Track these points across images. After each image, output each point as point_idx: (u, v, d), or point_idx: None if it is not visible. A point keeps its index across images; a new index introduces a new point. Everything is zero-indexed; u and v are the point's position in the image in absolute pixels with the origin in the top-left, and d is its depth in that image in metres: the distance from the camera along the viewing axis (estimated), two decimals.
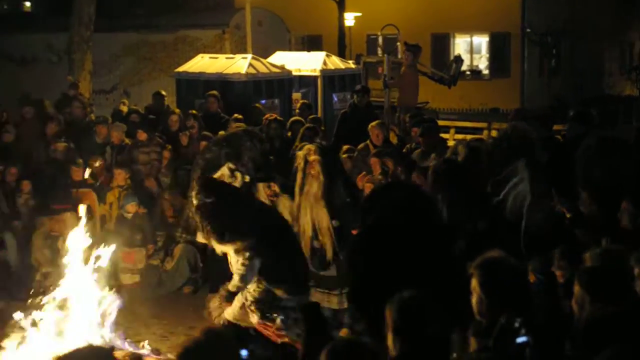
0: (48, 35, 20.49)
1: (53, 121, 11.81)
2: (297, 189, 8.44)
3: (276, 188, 9.12)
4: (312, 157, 8.28)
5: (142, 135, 11.47)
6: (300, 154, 8.63)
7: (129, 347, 7.82)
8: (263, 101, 14.04)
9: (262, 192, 9.13)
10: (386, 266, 5.43)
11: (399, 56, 19.80)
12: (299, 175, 8.43)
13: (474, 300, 4.42)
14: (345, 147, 10.49)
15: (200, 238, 9.00)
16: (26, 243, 10.18)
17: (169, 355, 7.81)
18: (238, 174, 9.07)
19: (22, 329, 7.47)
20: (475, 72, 29.41)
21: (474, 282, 4.41)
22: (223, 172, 9.26)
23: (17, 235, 10.29)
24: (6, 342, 7.45)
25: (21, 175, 10.72)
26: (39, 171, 11.07)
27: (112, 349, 3.65)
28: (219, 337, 3.33)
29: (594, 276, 4.53)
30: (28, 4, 49.60)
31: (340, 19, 27.15)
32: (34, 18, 33.26)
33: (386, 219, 5.75)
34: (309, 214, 8.25)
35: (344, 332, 7.56)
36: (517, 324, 3.98)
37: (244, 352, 3.37)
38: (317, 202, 8.21)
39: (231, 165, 9.46)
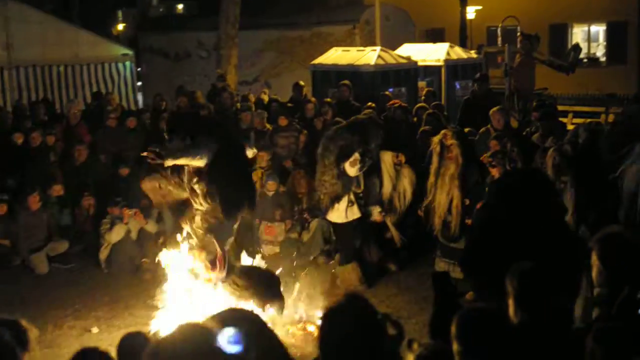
0: (198, 33, 20.96)
1: (204, 109, 12.06)
2: (432, 170, 8.52)
3: (402, 158, 9.16)
4: (450, 141, 8.36)
5: (282, 121, 11.63)
6: (436, 138, 8.66)
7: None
8: (391, 89, 13.99)
9: (388, 160, 9.21)
10: (500, 237, 5.36)
11: (518, 46, 19.37)
12: (435, 158, 8.51)
13: (594, 272, 4.28)
14: (466, 130, 10.35)
15: (329, 216, 9.19)
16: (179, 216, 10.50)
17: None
18: (367, 159, 9.17)
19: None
20: (593, 60, 28.41)
21: (594, 256, 4.26)
22: (355, 157, 9.35)
23: (172, 210, 10.59)
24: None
25: None
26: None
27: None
28: (359, 300, 3.31)
29: None
30: (180, 6, 51.04)
31: (462, 13, 26.71)
32: (186, 18, 34.07)
33: (506, 197, 5.66)
34: (444, 192, 8.33)
35: (469, 296, 7.48)
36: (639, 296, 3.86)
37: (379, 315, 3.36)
38: (452, 182, 8.31)
39: (361, 151, 9.53)
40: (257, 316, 4.23)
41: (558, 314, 3.98)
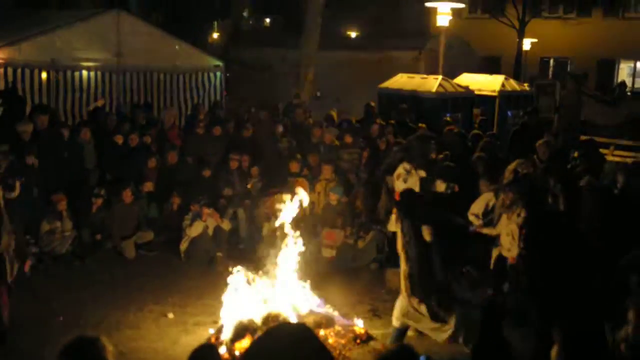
0: (282, 49, 21.04)
1: (281, 123, 12.11)
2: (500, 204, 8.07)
3: (456, 188, 8.99)
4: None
5: (348, 139, 11.55)
6: (510, 168, 8.34)
7: (323, 311, 7.67)
8: (448, 114, 13.85)
9: (439, 187, 9.06)
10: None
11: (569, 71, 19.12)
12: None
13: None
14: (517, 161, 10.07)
15: (391, 227, 9.06)
16: (252, 218, 10.54)
17: (355, 320, 7.64)
18: (413, 171, 9.07)
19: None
20: (637, 94, 27.61)
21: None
22: (399, 172, 9.28)
23: (246, 211, 10.66)
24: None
25: (252, 163, 11.09)
26: (267, 161, 11.36)
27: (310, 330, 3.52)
28: (407, 350, 3.20)
29: None
30: (268, 19, 51.28)
31: (519, 44, 26.34)
32: (272, 33, 34.20)
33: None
34: (510, 225, 7.89)
35: None
36: None
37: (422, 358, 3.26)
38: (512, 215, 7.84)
39: (407, 166, 9.39)
40: (309, 329, 4.14)
41: None
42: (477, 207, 8.69)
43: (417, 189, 9.34)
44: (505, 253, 8.50)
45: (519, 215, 7.85)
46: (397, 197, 8.51)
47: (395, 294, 9.00)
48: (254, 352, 3.35)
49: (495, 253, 8.58)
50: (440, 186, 9.35)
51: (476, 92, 15.24)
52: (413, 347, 3.17)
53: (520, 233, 7.71)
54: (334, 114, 14.01)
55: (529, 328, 6.66)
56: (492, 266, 8.64)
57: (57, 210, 9.47)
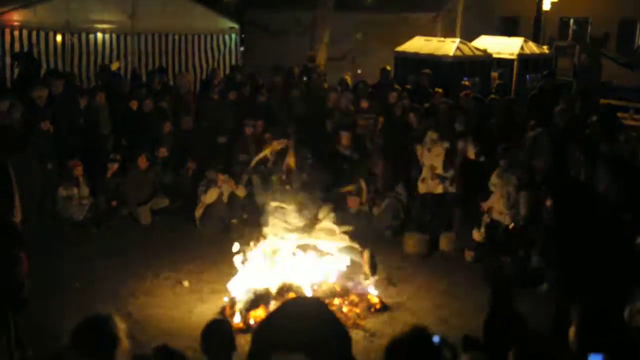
0: (296, 12, 20.77)
1: (296, 87, 11.99)
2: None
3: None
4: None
5: (364, 104, 11.43)
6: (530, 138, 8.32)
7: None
8: (466, 78, 13.66)
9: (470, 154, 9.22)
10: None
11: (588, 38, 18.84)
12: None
13: None
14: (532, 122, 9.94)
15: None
16: (267, 184, 10.44)
17: (370, 288, 7.63)
18: (438, 141, 9.07)
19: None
20: None
21: None
22: (425, 140, 9.27)
23: (261, 177, 10.56)
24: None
25: (267, 128, 10.94)
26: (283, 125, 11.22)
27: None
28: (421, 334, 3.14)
29: None
30: None
31: (539, 4, 25.86)
32: None
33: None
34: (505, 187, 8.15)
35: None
36: None
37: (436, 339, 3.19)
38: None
39: (433, 135, 9.37)
40: (324, 304, 4.10)
41: None
42: None
43: (440, 158, 9.34)
44: (496, 216, 8.49)
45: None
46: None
47: (411, 258, 9.04)
48: (269, 326, 3.29)
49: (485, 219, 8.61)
50: (471, 153, 9.34)
51: (494, 56, 15.04)
52: (426, 328, 3.10)
53: (544, 203, 7.70)
54: (348, 78, 13.85)
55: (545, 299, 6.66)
56: (484, 233, 8.66)
57: (73, 177, 9.49)
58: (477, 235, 8.75)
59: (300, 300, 3.44)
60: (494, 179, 8.69)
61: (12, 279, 4.48)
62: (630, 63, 16.83)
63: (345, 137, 10.50)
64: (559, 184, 6.78)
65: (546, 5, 26.19)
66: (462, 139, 9.55)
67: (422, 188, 9.66)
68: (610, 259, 5.33)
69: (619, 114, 12.03)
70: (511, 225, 8.37)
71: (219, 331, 3.94)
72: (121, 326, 3.28)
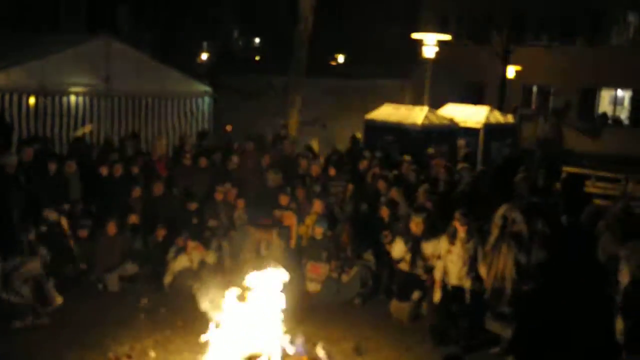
0: (269, 75, 21.08)
1: (268, 154, 12.07)
2: (491, 242, 7.99)
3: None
4: (517, 226, 7.82)
5: (332, 171, 11.55)
6: (499, 213, 8.15)
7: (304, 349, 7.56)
8: (432, 145, 13.86)
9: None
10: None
11: (551, 107, 19.28)
12: (495, 233, 7.96)
13: None
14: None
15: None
16: (237, 249, 10.39)
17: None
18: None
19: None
20: (617, 122, 27.89)
21: None
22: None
23: (230, 243, 10.53)
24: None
25: (238, 195, 10.99)
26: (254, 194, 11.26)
27: None
28: None
29: None
30: (257, 40, 51.50)
31: (503, 72, 26.57)
32: (261, 60, 34.29)
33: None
34: (502, 262, 7.81)
35: None
36: None
37: None
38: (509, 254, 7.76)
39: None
40: None
41: None
42: None
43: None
44: (455, 281, 8.51)
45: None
46: None
47: (379, 327, 8.99)
48: None
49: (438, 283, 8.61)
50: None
51: (461, 124, 15.32)
52: None
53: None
54: (315, 143, 13.98)
55: None
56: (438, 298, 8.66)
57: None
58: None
59: None
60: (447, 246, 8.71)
61: None
62: (591, 131, 17.22)
63: (318, 205, 10.53)
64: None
65: (510, 73, 26.99)
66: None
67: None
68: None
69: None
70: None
71: None
72: None
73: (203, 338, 7.35)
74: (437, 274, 8.70)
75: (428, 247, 9.03)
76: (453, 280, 8.57)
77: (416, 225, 9.11)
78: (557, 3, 26.26)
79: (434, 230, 9.00)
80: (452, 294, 8.61)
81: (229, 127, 13.16)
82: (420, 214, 9.21)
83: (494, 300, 7.82)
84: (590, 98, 28.31)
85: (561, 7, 27.11)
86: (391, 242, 9.60)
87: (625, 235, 6.57)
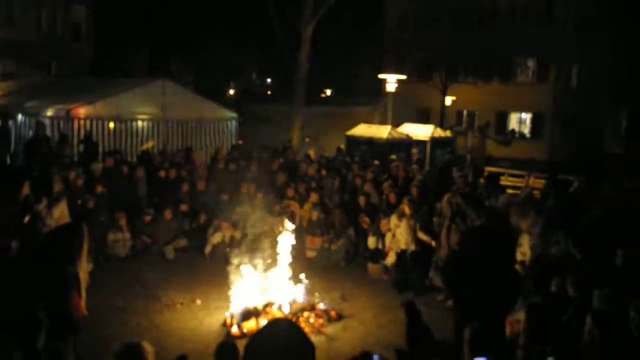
0: (278, 105, 20.94)
1: (277, 160, 12.01)
2: (446, 223, 7.86)
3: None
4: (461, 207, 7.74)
5: (323, 172, 11.44)
6: (445, 199, 8.12)
7: (307, 298, 7.54)
8: (394, 153, 13.80)
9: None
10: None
11: (476, 125, 19.25)
12: (447, 214, 7.85)
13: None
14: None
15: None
16: (257, 229, 10.13)
17: (329, 304, 7.53)
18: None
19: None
20: (522, 135, 27.94)
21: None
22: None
23: (252, 224, 10.27)
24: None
25: (257, 190, 10.70)
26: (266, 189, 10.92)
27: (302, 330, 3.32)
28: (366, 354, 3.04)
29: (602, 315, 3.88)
30: (269, 80, 51.26)
31: (443, 101, 26.52)
32: (272, 94, 34.14)
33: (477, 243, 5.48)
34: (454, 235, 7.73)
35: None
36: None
37: (375, 358, 3.14)
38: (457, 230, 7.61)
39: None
40: (295, 325, 3.94)
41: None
42: None
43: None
44: (403, 246, 8.51)
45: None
46: None
47: (359, 281, 8.88)
48: (255, 344, 3.20)
49: (391, 251, 8.57)
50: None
51: (414, 138, 15.25)
52: (370, 353, 3.06)
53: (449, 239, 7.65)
54: (312, 153, 13.90)
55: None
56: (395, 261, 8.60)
57: (119, 225, 9.32)
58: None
59: (276, 322, 3.32)
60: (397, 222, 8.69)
61: (65, 309, 4.23)
62: (504, 142, 17.24)
63: (314, 196, 10.45)
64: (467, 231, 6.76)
65: (448, 102, 26.94)
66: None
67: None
68: (496, 285, 5.30)
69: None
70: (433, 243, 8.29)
71: (227, 351, 3.57)
72: (149, 349, 3.20)
73: (232, 290, 7.36)
74: (387, 241, 8.71)
75: (385, 226, 8.98)
76: (402, 245, 8.61)
77: (383, 225, 9.07)
78: (479, 53, 26.27)
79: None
80: (401, 255, 8.64)
81: (150, 144, 12.99)
82: (386, 217, 9.14)
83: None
84: (503, 119, 28.36)
85: (482, 56, 27.12)
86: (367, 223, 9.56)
87: (526, 211, 6.56)
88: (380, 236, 9.13)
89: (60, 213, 7.62)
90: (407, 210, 8.53)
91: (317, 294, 7.70)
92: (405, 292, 8.23)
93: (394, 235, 8.79)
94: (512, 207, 6.73)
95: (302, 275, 7.73)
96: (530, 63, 27.76)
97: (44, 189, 7.79)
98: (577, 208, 7.56)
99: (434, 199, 9.10)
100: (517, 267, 6.05)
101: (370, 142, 13.95)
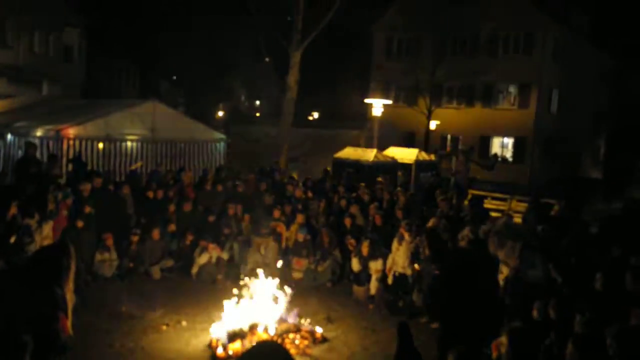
0: (266, 127, 21.00)
1: (264, 181, 11.95)
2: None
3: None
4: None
5: (309, 194, 11.44)
6: (430, 225, 8.19)
7: (292, 320, 7.47)
8: (379, 176, 13.85)
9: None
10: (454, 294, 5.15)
11: (460, 147, 19.41)
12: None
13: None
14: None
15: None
16: (244, 250, 10.10)
17: (315, 326, 7.46)
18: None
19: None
20: (504, 159, 28.28)
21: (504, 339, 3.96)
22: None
23: (239, 246, 10.34)
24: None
25: (244, 211, 10.67)
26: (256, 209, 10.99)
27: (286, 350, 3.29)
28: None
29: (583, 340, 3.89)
30: (258, 102, 51.51)
31: (427, 125, 26.81)
32: (260, 116, 34.21)
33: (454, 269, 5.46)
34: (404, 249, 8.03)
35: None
36: None
37: None
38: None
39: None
40: (279, 345, 3.91)
41: None
42: None
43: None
44: (401, 270, 8.51)
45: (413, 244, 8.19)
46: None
47: (345, 303, 8.86)
48: None
49: (390, 272, 8.54)
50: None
51: (399, 161, 15.34)
52: None
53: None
54: (295, 175, 13.88)
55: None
56: (390, 281, 8.58)
57: (106, 245, 9.19)
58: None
59: (262, 344, 3.30)
60: (397, 245, 8.71)
61: (51, 332, 4.15)
62: (487, 165, 17.40)
63: (300, 217, 10.41)
64: (445, 256, 6.75)
65: (432, 126, 27.25)
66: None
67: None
68: (480, 309, 5.28)
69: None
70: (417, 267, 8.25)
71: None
72: None
73: (220, 312, 7.27)
74: (389, 264, 8.69)
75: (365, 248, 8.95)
76: (399, 269, 8.58)
77: (364, 248, 9.06)
78: (461, 79, 26.72)
79: (376, 251, 8.94)
80: (398, 278, 8.63)
81: (138, 164, 13.03)
82: (366, 240, 9.14)
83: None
84: (486, 143, 28.71)
85: (465, 82, 27.61)
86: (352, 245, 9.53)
87: (502, 243, 6.52)
88: (363, 259, 9.10)
89: (48, 232, 7.51)
90: (406, 235, 8.52)
91: (302, 316, 7.62)
92: (397, 314, 8.23)
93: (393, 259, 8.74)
94: (490, 236, 6.73)
95: (288, 297, 7.65)
96: (512, 89, 28.25)
97: (37, 207, 7.68)
98: (557, 231, 7.61)
99: (419, 220, 9.14)
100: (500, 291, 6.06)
101: (357, 165, 13.99)
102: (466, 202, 11.05)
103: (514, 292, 5.50)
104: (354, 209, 10.43)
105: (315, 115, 34.52)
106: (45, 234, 7.47)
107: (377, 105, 16.30)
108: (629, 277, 4.99)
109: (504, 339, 3.99)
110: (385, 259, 8.80)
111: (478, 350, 4.09)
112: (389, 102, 18.54)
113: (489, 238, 6.60)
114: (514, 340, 3.72)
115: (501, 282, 6.09)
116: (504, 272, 6.09)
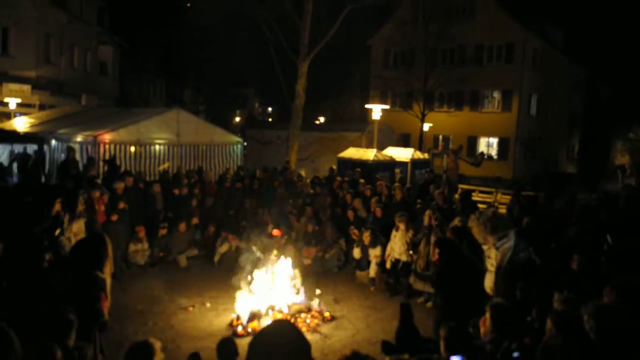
0: (277, 131, 20.96)
1: (279, 181, 11.96)
2: (423, 243, 7.81)
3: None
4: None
5: (317, 189, 11.40)
6: (427, 215, 8.15)
7: (304, 301, 7.51)
8: (379, 173, 13.85)
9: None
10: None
11: (450, 147, 19.31)
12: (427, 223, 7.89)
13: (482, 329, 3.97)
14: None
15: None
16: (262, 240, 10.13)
17: (323, 306, 7.45)
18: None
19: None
20: (490, 157, 28.14)
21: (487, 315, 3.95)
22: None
23: (257, 235, 10.25)
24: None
25: (259, 205, 10.70)
26: (270, 204, 11.01)
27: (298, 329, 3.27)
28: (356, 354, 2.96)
29: (560, 317, 3.78)
30: (270, 109, 51.50)
31: (421, 127, 26.70)
32: (272, 122, 34.17)
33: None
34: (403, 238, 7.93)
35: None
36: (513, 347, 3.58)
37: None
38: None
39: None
40: (292, 325, 3.92)
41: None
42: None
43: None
44: (397, 256, 8.50)
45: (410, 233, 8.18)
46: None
47: (351, 285, 8.89)
48: (257, 342, 3.17)
49: (388, 258, 8.50)
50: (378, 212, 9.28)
51: (397, 160, 15.29)
52: (359, 352, 2.98)
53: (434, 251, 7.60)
54: (303, 172, 13.83)
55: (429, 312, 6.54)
56: (388, 266, 8.56)
57: (138, 237, 9.27)
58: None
59: (277, 322, 3.29)
60: (394, 233, 8.71)
61: (95, 311, 4.23)
62: (475, 162, 17.29)
63: (309, 210, 10.45)
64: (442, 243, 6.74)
65: (425, 128, 27.14)
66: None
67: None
68: (472, 289, 5.24)
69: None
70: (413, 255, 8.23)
71: (226, 345, 3.81)
72: (157, 346, 3.13)
73: (239, 295, 7.31)
74: (387, 251, 8.70)
75: (366, 238, 8.91)
76: (396, 255, 8.60)
77: (365, 237, 9.05)
78: (451, 86, 26.62)
79: (375, 239, 8.91)
80: (395, 264, 8.64)
81: (165, 165, 13.00)
82: (367, 229, 9.12)
83: (425, 269, 7.74)
84: (473, 142, 28.64)
85: (454, 88, 27.53)
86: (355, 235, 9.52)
87: (494, 228, 6.52)
88: (364, 247, 9.11)
89: (78, 228, 7.58)
90: (401, 226, 8.53)
91: (312, 298, 7.66)
92: (395, 295, 8.24)
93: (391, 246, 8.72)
94: (483, 223, 6.72)
95: (299, 281, 7.68)
96: (496, 94, 28.19)
97: (70, 206, 7.76)
98: (540, 221, 7.57)
99: (414, 212, 9.13)
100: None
101: (359, 164, 13.95)
102: (456, 196, 11.02)
103: (507, 276, 5.51)
104: (357, 203, 10.44)
105: (322, 119, 34.45)
106: (77, 230, 7.53)
107: (376, 110, 16.26)
108: (603, 259, 4.98)
109: (487, 314, 4.00)
110: (384, 247, 8.80)
111: (466, 326, 4.08)
112: (387, 107, 18.52)
113: (479, 225, 6.60)
114: (495, 314, 3.74)
115: (491, 265, 6.07)
116: (493, 256, 6.08)
